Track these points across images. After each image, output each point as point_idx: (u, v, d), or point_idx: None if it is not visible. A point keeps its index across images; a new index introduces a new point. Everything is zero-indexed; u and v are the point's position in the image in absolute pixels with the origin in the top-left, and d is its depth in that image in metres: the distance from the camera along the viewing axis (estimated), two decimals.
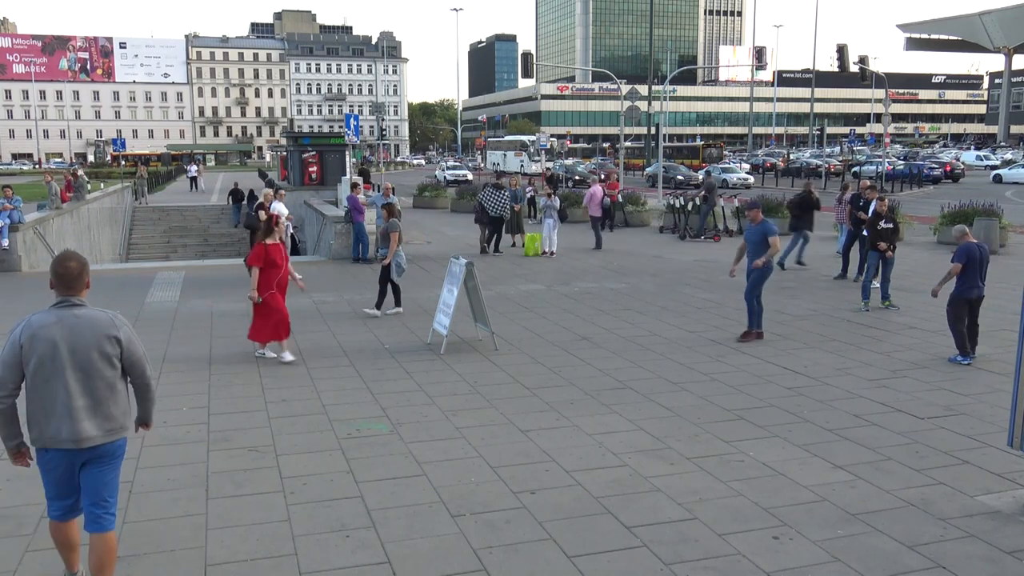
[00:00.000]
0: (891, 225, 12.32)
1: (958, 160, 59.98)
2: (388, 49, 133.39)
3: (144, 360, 4.28)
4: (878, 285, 12.53)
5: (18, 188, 22.76)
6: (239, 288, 14.76)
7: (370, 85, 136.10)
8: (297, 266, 17.82)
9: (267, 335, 9.43)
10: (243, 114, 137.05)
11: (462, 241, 21.87)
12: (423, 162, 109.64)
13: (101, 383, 4.11)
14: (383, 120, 76.39)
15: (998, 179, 49.68)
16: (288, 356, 9.42)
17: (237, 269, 17.81)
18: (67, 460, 4.13)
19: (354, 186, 18.48)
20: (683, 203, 23.83)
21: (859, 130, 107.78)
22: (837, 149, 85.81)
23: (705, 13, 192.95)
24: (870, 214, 13.48)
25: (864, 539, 5.09)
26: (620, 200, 25.97)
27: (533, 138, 63.79)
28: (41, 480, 4.27)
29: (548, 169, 37.40)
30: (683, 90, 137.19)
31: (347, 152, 24.42)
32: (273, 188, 17.30)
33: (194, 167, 54.55)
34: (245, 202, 33.54)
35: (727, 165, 57.91)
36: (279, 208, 15.58)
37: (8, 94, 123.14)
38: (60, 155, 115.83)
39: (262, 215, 14.82)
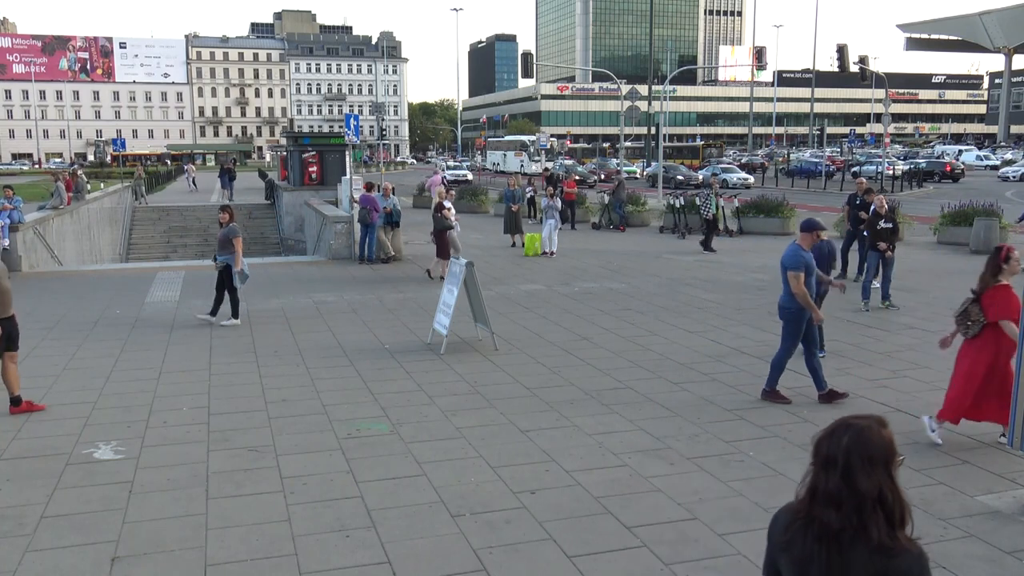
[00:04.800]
0: (891, 225, 12.33)
1: (958, 160, 60.03)
2: (388, 49, 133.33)
3: None
4: (878, 285, 12.53)
5: (18, 188, 22.76)
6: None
7: (370, 85, 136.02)
8: (296, 266, 17.86)
9: (991, 413, 6.57)
10: (243, 114, 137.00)
11: (462, 241, 21.83)
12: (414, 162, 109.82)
13: None
14: (383, 120, 76.42)
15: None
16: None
17: None
18: None
19: (371, 187, 18.57)
20: (683, 203, 23.84)
21: (859, 130, 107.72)
22: (837, 150, 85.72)
23: (705, 13, 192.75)
24: (870, 214, 13.47)
25: None
26: (615, 199, 25.92)
27: (533, 138, 63.77)
28: None
29: (547, 169, 37.41)
30: (683, 90, 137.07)
31: (347, 152, 24.38)
32: (445, 187, 18.07)
33: (192, 167, 55.42)
34: (229, 177, 38.60)
35: (726, 165, 57.96)
36: (452, 207, 15.83)
37: (8, 94, 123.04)
38: (60, 155, 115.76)
39: (445, 214, 14.96)
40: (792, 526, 2.19)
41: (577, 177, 49.12)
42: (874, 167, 48.39)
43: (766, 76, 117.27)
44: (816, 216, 17.78)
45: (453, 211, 16.01)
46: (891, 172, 44.86)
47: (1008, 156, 70.49)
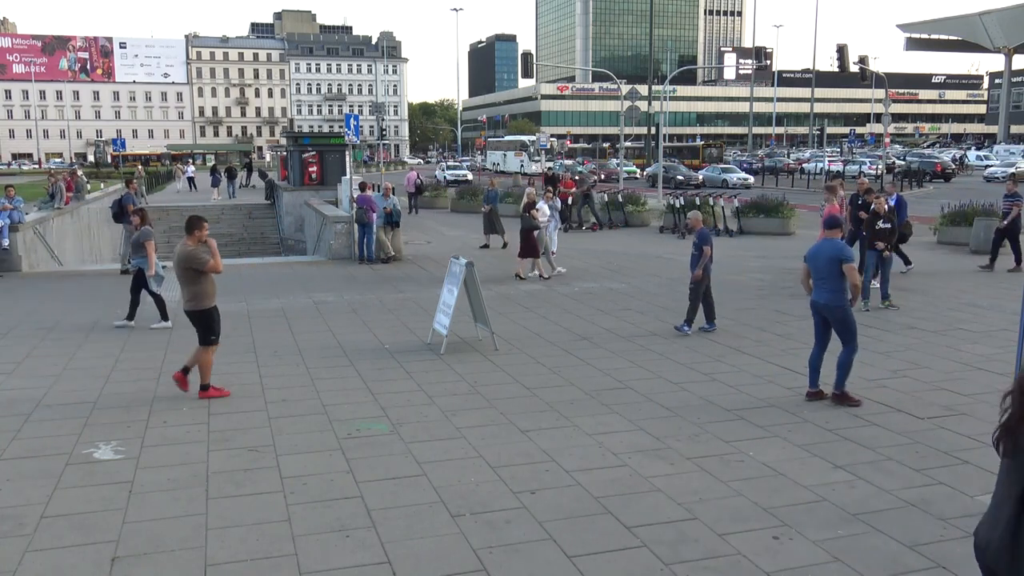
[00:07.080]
0: (889, 225, 12.34)
1: (959, 160, 60.01)
2: (388, 49, 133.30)
3: None
4: (878, 285, 12.54)
5: (18, 188, 22.77)
6: (238, 288, 14.77)
7: (370, 85, 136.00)
8: (296, 266, 17.89)
9: None
10: (243, 114, 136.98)
11: (461, 241, 21.86)
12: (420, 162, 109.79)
13: None
14: (383, 120, 76.42)
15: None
16: None
17: (236, 268, 17.81)
18: None
19: (366, 187, 18.54)
20: (683, 203, 23.83)
21: (859, 130, 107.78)
22: (837, 150, 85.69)
23: (705, 13, 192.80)
24: (869, 214, 13.46)
25: (864, 539, 5.09)
26: (614, 200, 25.93)
27: (533, 138, 63.75)
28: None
29: (549, 169, 37.43)
30: (683, 90, 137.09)
31: (347, 152, 24.40)
32: (537, 188, 18.57)
33: (191, 168, 55.31)
34: (224, 176, 39.74)
35: (726, 165, 58.00)
36: (544, 208, 15.84)
37: (8, 94, 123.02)
38: (60, 155, 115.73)
39: (534, 214, 15.02)
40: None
41: (577, 177, 49.30)
42: (857, 167, 48.60)
43: (766, 76, 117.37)
44: (815, 216, 17.77)
45: (543, 212, 15.95)
46: (874, 171, 44.60)
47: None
